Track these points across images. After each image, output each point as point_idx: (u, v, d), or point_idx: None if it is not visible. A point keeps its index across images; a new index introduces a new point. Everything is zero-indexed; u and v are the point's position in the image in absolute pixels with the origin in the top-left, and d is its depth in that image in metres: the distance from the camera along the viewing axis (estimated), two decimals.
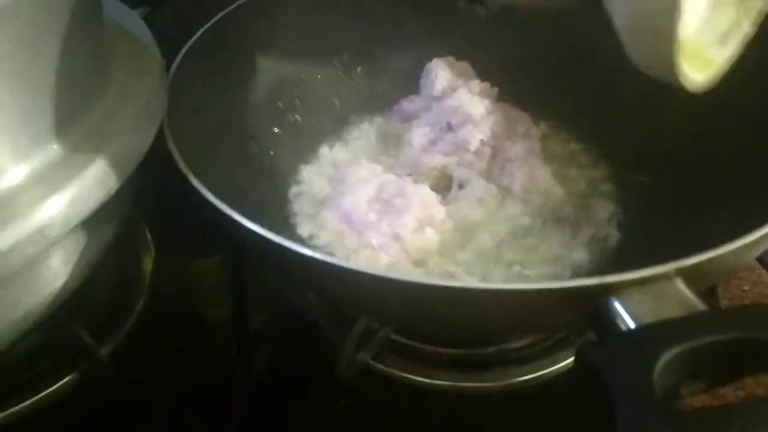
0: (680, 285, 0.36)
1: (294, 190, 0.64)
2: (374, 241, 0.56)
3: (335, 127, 0.71)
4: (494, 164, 0.63)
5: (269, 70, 0.68)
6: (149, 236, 0.65)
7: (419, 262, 0.56)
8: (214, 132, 0.60)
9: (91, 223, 0.44)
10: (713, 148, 0.57)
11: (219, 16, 0.64)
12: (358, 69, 0.74)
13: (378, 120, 0.72)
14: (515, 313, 0.39)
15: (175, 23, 0.78)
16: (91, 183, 0.42)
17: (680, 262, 0.36)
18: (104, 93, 0.47)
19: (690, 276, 0.37)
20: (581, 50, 0.69)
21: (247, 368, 0.60)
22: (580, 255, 0.57)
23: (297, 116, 0.69)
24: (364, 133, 0.70)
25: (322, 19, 0.71)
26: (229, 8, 0.65)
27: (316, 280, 0.45)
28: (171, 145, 0.48)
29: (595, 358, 0.31)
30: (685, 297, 0.36)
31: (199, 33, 0.61)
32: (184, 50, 0.59)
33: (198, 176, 0.46)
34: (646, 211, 0.60)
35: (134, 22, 0.57)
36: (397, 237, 0.56)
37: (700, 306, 0.35)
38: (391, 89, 0.73)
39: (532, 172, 0.62)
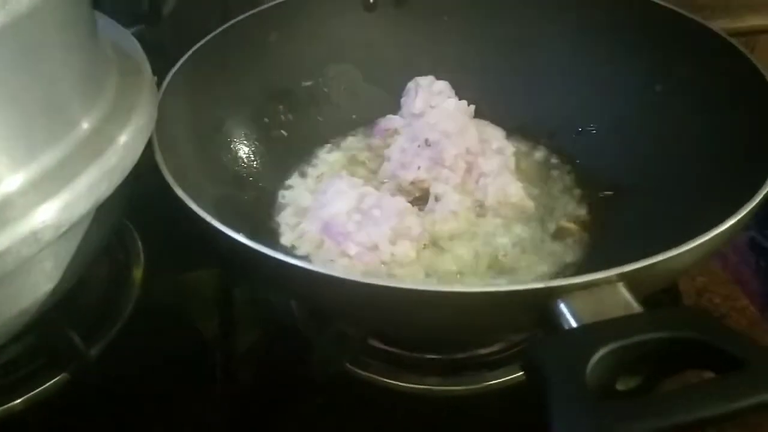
0: (622, 289, 0.40)
1: (279, 201, 0.67)
2: (351, 251, 0.59)
3: (319, 142, 0.74)
4: (469, 178, 0.67)
5: (256, 88, 0.71)
6: (140, 245, 0.68)
7: (395, 274, 0.59)
8: (201, 146, 0.63)
9: (81, 229, 0.47)
10: (670, 167, 0.61)
11: (208, 37, 0.67)
12: (342, 87, 0.77)
13: (359, 136, 0.75)
14: (473, 315, 0.42)
15: (173, 40, 0.81)
16: (82, 192, 0.45)
17: (621, 269, 0.40)
18: (96, 107, 0.50)
19: (631, 281, 0.40)
20: (556, 72, 0.73)
21: (231, 374, 0.62)
22: (549, 265, 0.60)
23: (282, 131, 0.72)
24: (347, 148, 0.73)
25: (308, 39, 0.75)
26: (218, 30, 0.68)
27: (286, 285, 0.47)
28: (158, 158, 0.51)
29: (536, 354, 0.34)
30: (625, 300, 0.39)
31: (189, 53, 0.65)
32: (174, 69, 0.62)
33: (183, 188, 0.49)
34: (610, 221, 0.63)
35: (127, 40, 0.60)
36: (374, 247, 0.59)
37: (637, 308, 0.38)
38: (373, 107, 0.76)
39: (505, 187, 0.65)
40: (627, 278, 0.40)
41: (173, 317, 0.67)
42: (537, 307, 0.39)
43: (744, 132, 0.56)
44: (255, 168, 0.68)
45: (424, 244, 0.62)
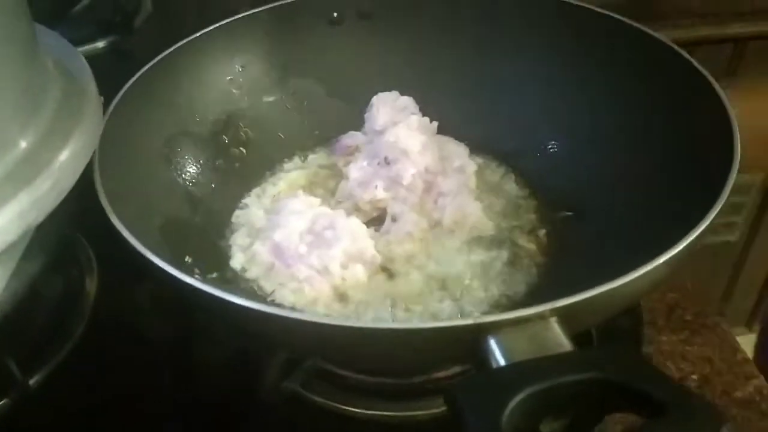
0: (554, 325, 0.38)
1: (233, 221, 0.66)
2: (301, 275, 0.58)
3: (279, 159, 0.73)
4: (428, 198, 0.66)
5: (215, 106, 0.70)
6: (93, 258, 0.67)
7: (344, 297, 0.58)
8: (152, 168, 0.62)
9: (17, 251, 0.46)
10: (629, 188, 0.60)
11: (161, 55, 0.66)
12: (305, 103, 0.76)
13: (321, 153, 0.74)
14: (402, 351, 0.41)
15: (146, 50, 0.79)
16: (12, 218, 0.44)
17: (553, 304, 0.38)
18: (33, 127, 0.49)
19: (566, 316, 0.39)
20: (520, 90, 0.72)
21: (183, 393, 0.61)
22: (501, 289, 0.59)
23: (242, 149, 0.71)
24: (307, 165, 0.72)
25: (269, 54, 0.74)
26: (172, 48, 0.67)
27: (214, 314, 0.46)
28: (97, 183, 0.50)
29: (455, 395, 0.33)
30: (556, 337, 0.38)
31: (142, 71, 0.64)
32: (125, 87, 0.61)
33: (120, 214, 0.48)
34: (568, 243, 0.62)
35: (74, 59, 0.59)
36: (324, 270, 0.58)
37: (568, 346, 0.37)
38: (337, 123, 0.75)
39: (463, 206, 0.64)
40: (560, 314, 0.39)
41: (126, 334, 0.65)
42: (466, 343, 0.38)
43: (701, 154, 0.54)
44: (210, 188, 0.67)
45: (378, 267, 0.60)
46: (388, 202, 0.65)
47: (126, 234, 0.46)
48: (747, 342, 1.83)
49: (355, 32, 0.76)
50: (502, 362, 0.36)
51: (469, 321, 0.37)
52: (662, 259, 0.42)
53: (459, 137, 0.73)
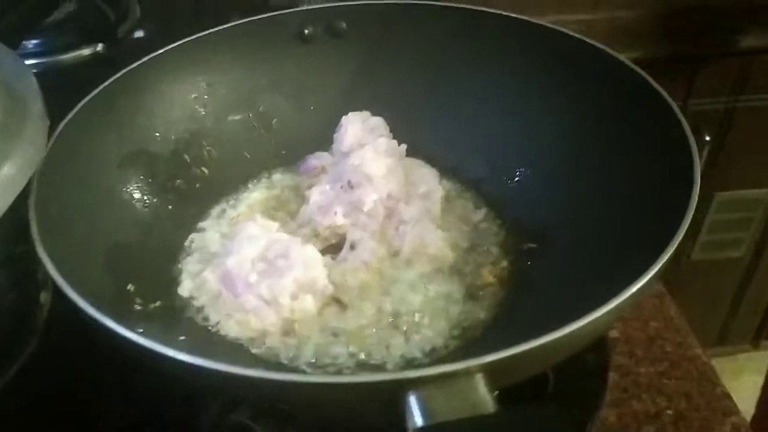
0: (479, 383, 0.36)
1: (188, 245, 0.64)
2: (248, 305, 0.56)
3: (242, 180, 0.71)
4: (389, 225, 0.63)
5: (176, 122, 0.69)
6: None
7: (290, 331, 0.56)
8: (104, 187, 0.60)
9: None
10: (594, 221, 0.58)
11: (124, 71, 0.65)
12: (274, 121, 0.74)
13: (287, 174, 0.72)
14: (323, 402, 0.39)
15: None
16: None
17: (480, 360, 0.36)
18: None
19: (493, 373, 0.36)
20: (491, 115, 0.70)
21: (134, 415, 0.59)
22: (454, 325, 0.57)
23: (204, 169, 0.69)
24: (271, 186, 0.70)
25: (237, 71, 0.72)
26: (135, 64, 0.66)
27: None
28: (31, 212, 0.49)
29: None
30: (479, 396, 0.35)
31: (99, 89, 0.62)
32: (77, 107, 0.60)
33: (50, 248, 0.46)
34: (530, 276, 0.60)
35: (25, 78, 0.58)
36: (273, 302, 0.56)
37: (490, 407, 0.35)
38: (306, 143, 0.73)
39: (423, 236, 0.62)
40: (487, 370, 0.36)
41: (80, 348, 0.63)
42: (386, 399, 0.36)
43: (661, 191, 0.52)
44: (166, 210, 0.65)
45: (330, 298, 0.58)
46: (348, 229, 0.63)
47: (50, 268, 0.44)
48: (751, 360, 1.79)
49: (327, 50, 0.74)
50: (419, 422, 0.34)
51: (388, 376, 0.36)
52: (602, 311, 0.40)
53: (430, 160, 0.71)
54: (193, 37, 0.70)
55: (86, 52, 0.98)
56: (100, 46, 0.98)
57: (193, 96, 0.70)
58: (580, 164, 0.61)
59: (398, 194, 0.64)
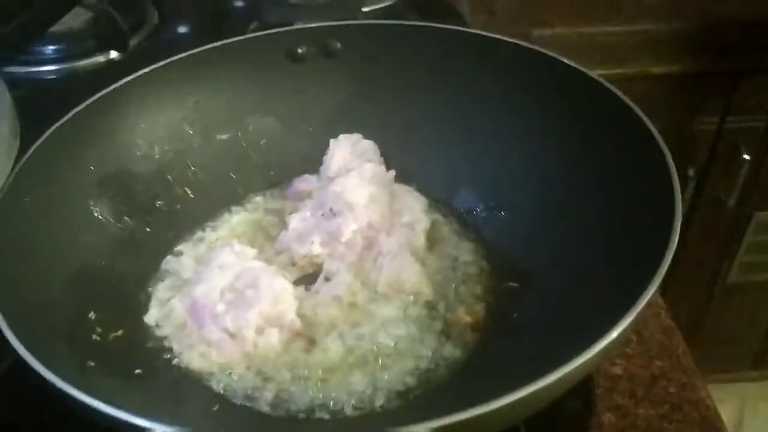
0: None
1: (163, 268, 0.63)
2: (212, 337, 0.55)
3: (226, 202, 0.69)
4: (368, 256, 0.61)
5: (160, 141, 0.68)
6: None
7: (253, 367, 0.55)
8: (77, 208, 0.60)
9: None
10: (578, 264, 0.56)
11: (108, 89, 0.64)
12: (263, 142, 0.72)
13: (273, 197, 0.70)
14: None
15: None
16: None
17: (432, 423, 0.34)
18: None
19: None
20: (483, 147, 0.68)
21: None
22: (431, 363, 0.54)
23: (187, 189, 0.68)
24: (254, 209, 0.69)
25: (227, 90, 0.71)
26: (121, 81, 0.66)
27: None
28: None
29: None
30: None
31: (80, 107, 0.62)
32: (53, 127, 0.59)
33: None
34: (508, 318, 0.57)
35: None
36: (237, 334, 0.55)
37: None
38: (295, 164, 0.71)
39: (400, 270, 0.59)
40: None
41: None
42: None
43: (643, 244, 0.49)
44: (144, 232, 0.64)
45: (297, 333, 0.56)
46: (325, 259, 0.61)
47: None
48: None
49: (320, 70, 0.73)
50: None
51: None
52: (558, 374, 0.37)
53: (420, 188, 0.69)
54: (183, 54, 0.69)
55: (101, 59, 0.99)
56: (113, 54, 1.00)
57: (180, 115, 0.69)
58: (568, 203, 0.59)
59: (380, 224, 0.62)
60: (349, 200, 0.62)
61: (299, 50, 0.72)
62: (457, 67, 0.69)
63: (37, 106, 0.64)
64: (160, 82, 0.68)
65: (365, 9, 0.89)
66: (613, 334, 0.41)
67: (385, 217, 0.63)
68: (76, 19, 1.00)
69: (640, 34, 1.23)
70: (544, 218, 0.61)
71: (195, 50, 0.70)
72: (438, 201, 0.68)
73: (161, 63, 0.68)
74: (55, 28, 0.96)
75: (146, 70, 0.67)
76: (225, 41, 0.70)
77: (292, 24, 0.73)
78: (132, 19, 1.04)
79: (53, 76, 0.97)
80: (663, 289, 0.50)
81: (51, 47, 0.97)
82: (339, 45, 0.72)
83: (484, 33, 0.68)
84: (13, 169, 0.54)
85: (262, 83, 0.72)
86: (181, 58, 0.69)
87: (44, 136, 0.58)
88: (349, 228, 0.61)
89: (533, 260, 0.60)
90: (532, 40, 1.11)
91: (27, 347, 0.41)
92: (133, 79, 0.66)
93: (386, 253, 0.60)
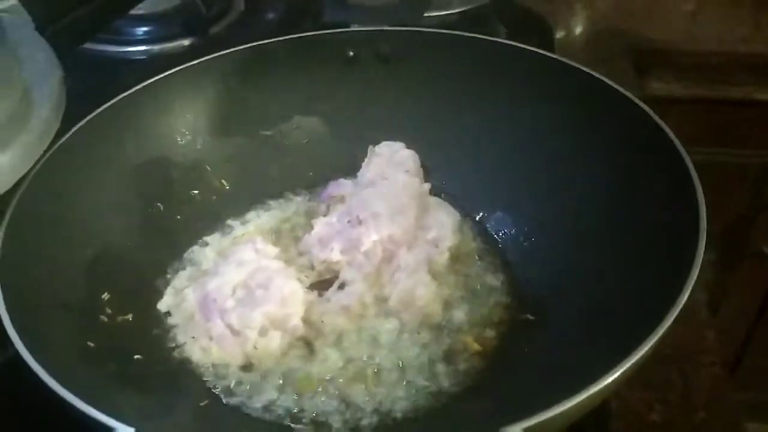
0: None
1: (186, 257, 0.64)
2: (216, 332, 0.55)
3: (261, 198, 0.70)
4: (387, 269, 0.60)
5: (203, 130, 0.68)
6: None
7: (248, 367, 0.55)
8: (110, 191, 0.62)
9: None
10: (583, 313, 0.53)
11: (160, 76, 0.66)
12: (305, 141, 0.72)
13: (307, 198, 0.70)
14: None
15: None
16: None
17: None
18: None
19: None
20: (526, 170, 0.65)
21: None
22: (417, 391, 0.53)
23: (224, 181, 0.69)
24: (284, 208, 0.69)
25: (277, 85, 0.71)
26: (174, 70, 0.67)
27: None
28: (10, 210, 0.51)
29: None
30: None
31: (120, 96, 0.63)
32: (100, 109, 0.61)
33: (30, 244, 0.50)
34: (518, 351, 0.55)
35: (54, 76, 0.60)
36: (240, 333, 0.55)
37: None
38: (335, 167, 0.71)
39: (415, 288, 0.58)
40: None
41: None
42: None
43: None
44: (174, 219, 0.65)
45: (300, 339, 0.56)
46: (343, 266, 0.60)
47: None
48: None
49: (371, 75, 0.72)
50: None
51: None
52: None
53: (455, 202, 0.67)
54: (235, 49, 0.70)
55: (184, 43, 1.02)
56: (195, 39, 1.03)
57: (226, 108, 0.70)
58: (604, 244, 0.56)
59: (401, 238, 0.61)
60: (375, 210, 0.61)
61: (352, 53, 0.71)
62: (515, 86, 0.66)
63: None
64: (209, 75, 0.69)
65: (429, 14, 0.87)
66: (609, 379, 0.40)
67: (408, 231, 0.61)
68: (164, 3, 1.04)
69: None
70: (574, 252, 0.58)
71: (246, 45, 0.70)
72: (471, 219, 0.66)
73: (212, 56, 0.69)
74: (146, 10, 0.99)
75: (196, 62, 0.68)
76: (277, 39, 0.70)
77: (349, 25, 0.72)
78: (218, 6, 1.07)
79: (142, 57, 1.01)
80: None
81: (143, 29, 1.01)
82: (392, 50, 0.71)
83: (542, 52, 0.65)
84: (50, 147, 0.56)
85: (311, 82, 0.72)
86: (232, 52, 0.70)
87: (87, 118, 0.60)
88: (370, 238, 0.60)
89: (555, 295, 0.57)
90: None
91: (16, 323, 0.42)
92: (182, 69, 0.67)
93: (403, 268, 0.59)
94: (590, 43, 1.08)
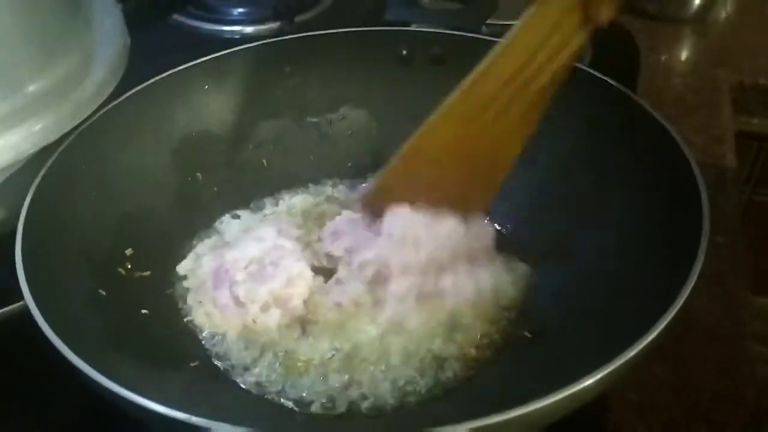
0: None
1: (215, 226, 0.67)
2: (220, 300, 0.58)
3: (297, 181, 0.72)
4: (375, 289, 0.59)
5: (251, 111, 0.71)
6: None
7: (243, 338, 0.57)
8: (158, 153, 0.66)
9: None
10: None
11: (225, 51, 0.70)
12: (349, 132, 0.74)
13: (341, 188, 0.72)
14: None
15: None
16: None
17: None
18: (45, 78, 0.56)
19: None
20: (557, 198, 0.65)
21: None
22: (396, 390, 0.53)
23: (264, 160, 0.72)
24: (318, 194, 0.71)
25: (331, 75, 0.74)
26: (238, 47, 0.71)
27: None
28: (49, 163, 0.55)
29: None
30: None
31: (193, 62, 0.68)
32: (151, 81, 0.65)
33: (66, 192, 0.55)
34: (502, 367, 0.55)
35: (120, 39, 0.65)
36: (244, 305, 0.57)
37: None
38: (373, 162, 0.72)
39: (402, 318, 0.57)
40: None
41: None
42: None
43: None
44: (210, 190, 0.69)
45: (298, 319, 0.58)
46: (343, 265, 0.61)
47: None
48: None
49: (424, 75, 0.72)
50: None
51: None
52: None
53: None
54: (295, 36, 0.73)
55: (274, 26, 1.06)
56: (282, 24, 1.07)
57: (279, 92, 0.73)
58: (616, 266, 0.55)
59: (396, 268, 0.58)
60: (389, 231, 0.59)
61: (405, 51, 0.72)
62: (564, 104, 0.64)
63: None
64: (268, 58, 0.72)
65: (492, 22, 0.86)
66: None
67: (410, 267, 0.58)
68: None
69: None
70: (582, 274, 0.57)
71: (305, 34, 0.73)
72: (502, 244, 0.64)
73: (272, 40, 0.72)
74: None
75: (256, 44, 0.71)
76: (335, 30, 0.72)
77: (410, 24, 0.73)
78: None
79: (236, 36, 1.05)
80: None
81: (239, 9, 1.07)
82: (446, 53, 0.71)
83: (599, 75, 0.64)
84: (99, 109, 0.60)
85: (364, 76, 0.73)
86: (291, 39, 0.73)
87: (142, 86, 0.65)
88: (365, 256, 0.59)
89: (557, 315, 0.56)
90: None
91: (28, 267, 0.46)
92: (240, 49, 0.70)
93: (390, 294, 0.58)
94: (689, 70, 1.03)
